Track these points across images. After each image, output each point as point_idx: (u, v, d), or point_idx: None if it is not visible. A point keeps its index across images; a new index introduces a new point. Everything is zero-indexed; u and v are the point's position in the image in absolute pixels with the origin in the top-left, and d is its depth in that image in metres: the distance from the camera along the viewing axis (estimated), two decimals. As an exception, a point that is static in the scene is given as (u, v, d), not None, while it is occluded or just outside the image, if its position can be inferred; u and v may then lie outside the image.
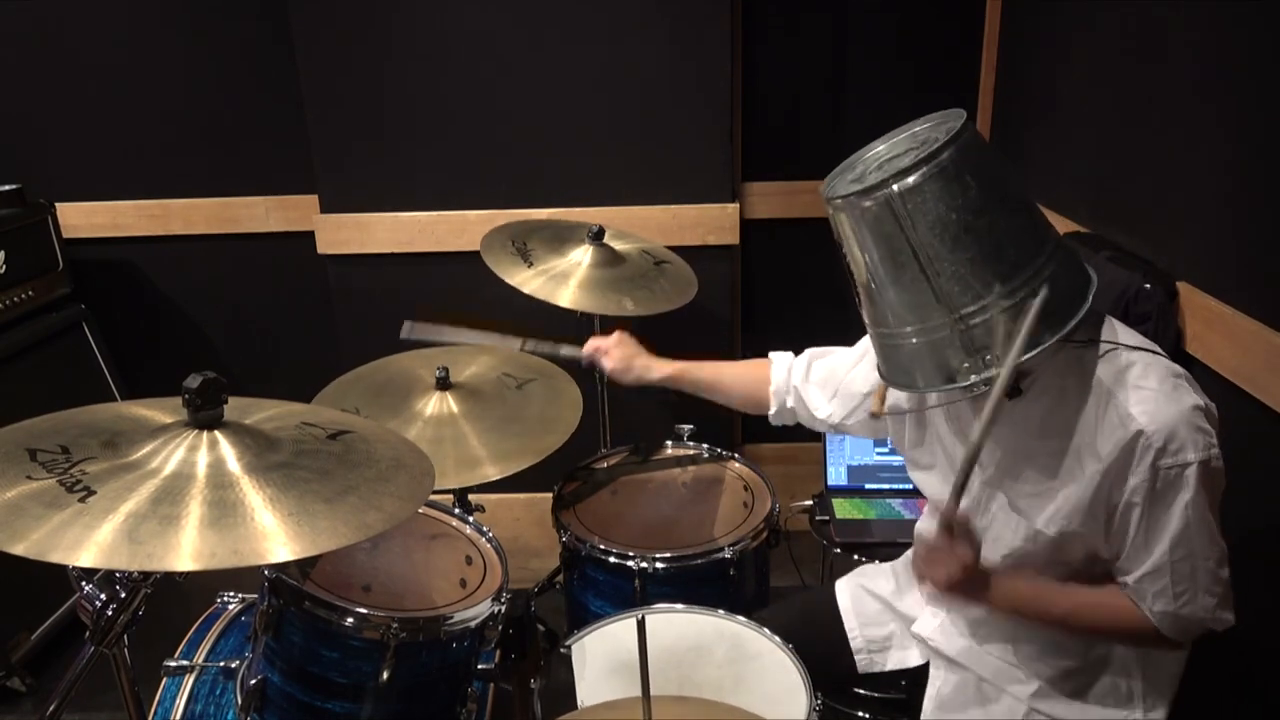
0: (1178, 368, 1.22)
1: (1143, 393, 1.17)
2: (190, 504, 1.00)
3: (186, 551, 0.94)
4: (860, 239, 1.17)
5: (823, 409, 1.59)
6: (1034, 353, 1.11)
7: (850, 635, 1.58)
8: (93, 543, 0.93)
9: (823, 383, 1.60)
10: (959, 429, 1.38)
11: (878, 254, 1.16)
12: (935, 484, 1.45)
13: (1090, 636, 1.34)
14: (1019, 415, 1.27)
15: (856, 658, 1.57)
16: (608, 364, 1.83)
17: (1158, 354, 1.23)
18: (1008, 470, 1.31)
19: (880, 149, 1.25)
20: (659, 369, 1.79)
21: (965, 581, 1.24)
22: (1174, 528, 1.18)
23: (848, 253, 1.20)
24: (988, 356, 1.13)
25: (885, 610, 1.59)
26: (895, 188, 1.11)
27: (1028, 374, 1.24)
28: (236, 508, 1.01)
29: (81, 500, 0.97)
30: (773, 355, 1.68)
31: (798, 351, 1.68)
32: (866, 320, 1.26)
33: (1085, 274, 1.20)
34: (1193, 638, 1.28)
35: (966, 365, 1.14)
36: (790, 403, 1.63)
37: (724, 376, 1.75)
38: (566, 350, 1.90)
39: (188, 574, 1.01)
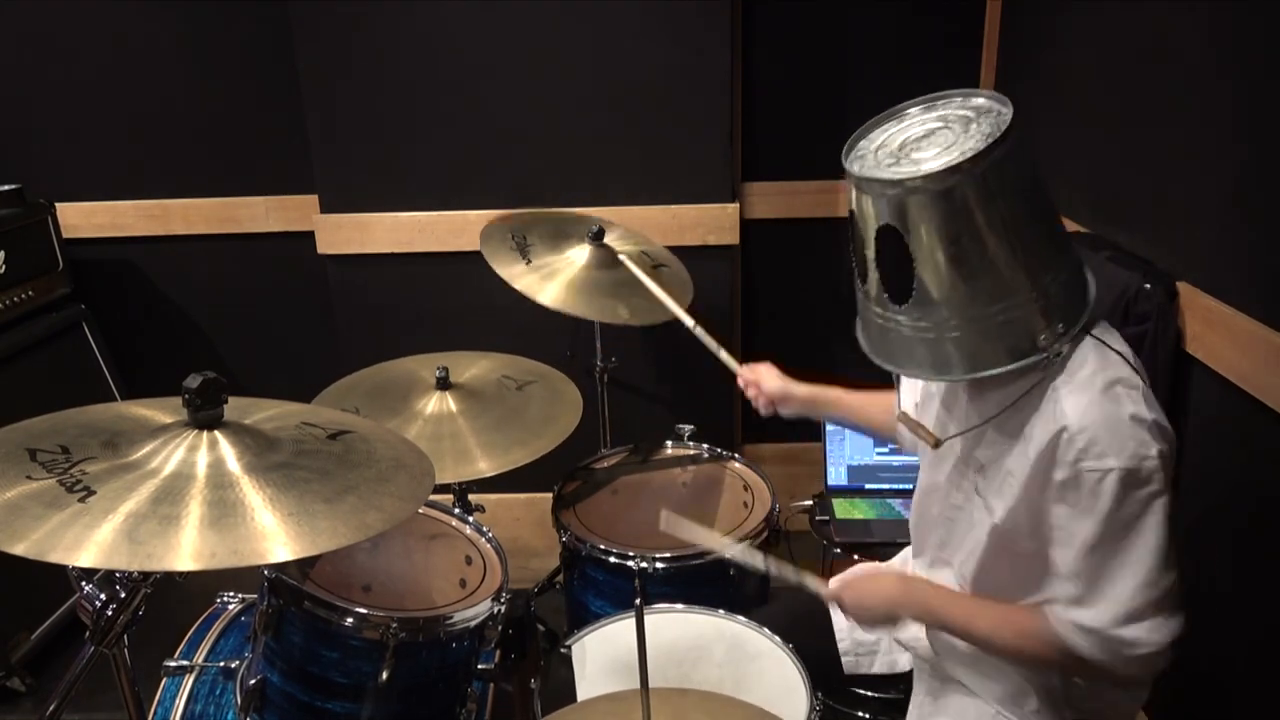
0: (1136, 380, 1.18)
1: (1081, 393, 1.16)
2: (190, 504, 1.00)
3: (186, 551, 0.94)
4: (942, 218, 1.12)
5: None
6: (1024, 363, 1.15)
7: (838, 636, 1.57)
8: (93, 543, 0.93)
9: None
10: (949, 418, 1.38)
11: (969, 231, 1.12)
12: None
13: (1023, 661, 1.31)
14: (995, 403, 1.27)
15: (843, 659, 1.56)
16: (762, 405, 1.75)
17: (1127, 361, 1.20)
18: (973, 449, 1.31)
19: (897, 128, 1.22)
20: (799, 392, 1.71)
21: (873, 618, 1.32)
22: (1088, 533, 1.15)
23: (914, 239, 1.14)
24: (1060, 327, 1.15)
25: None
26: (993, 155, 1.09)
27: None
28: (236, 508, 1.01)
29: (81, 500, 0.97)
30: None
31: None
32: (918, 312, 1.18)
33: (1084, 282, 1.24)
34: (1130, 667, 1.19)
35: (1043, 337, 1.15)
36: None
37: (867, 405, 1.67)
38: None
39: (188, 574, 1.01)
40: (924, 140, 1.18)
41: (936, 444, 1.31)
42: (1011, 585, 1.31)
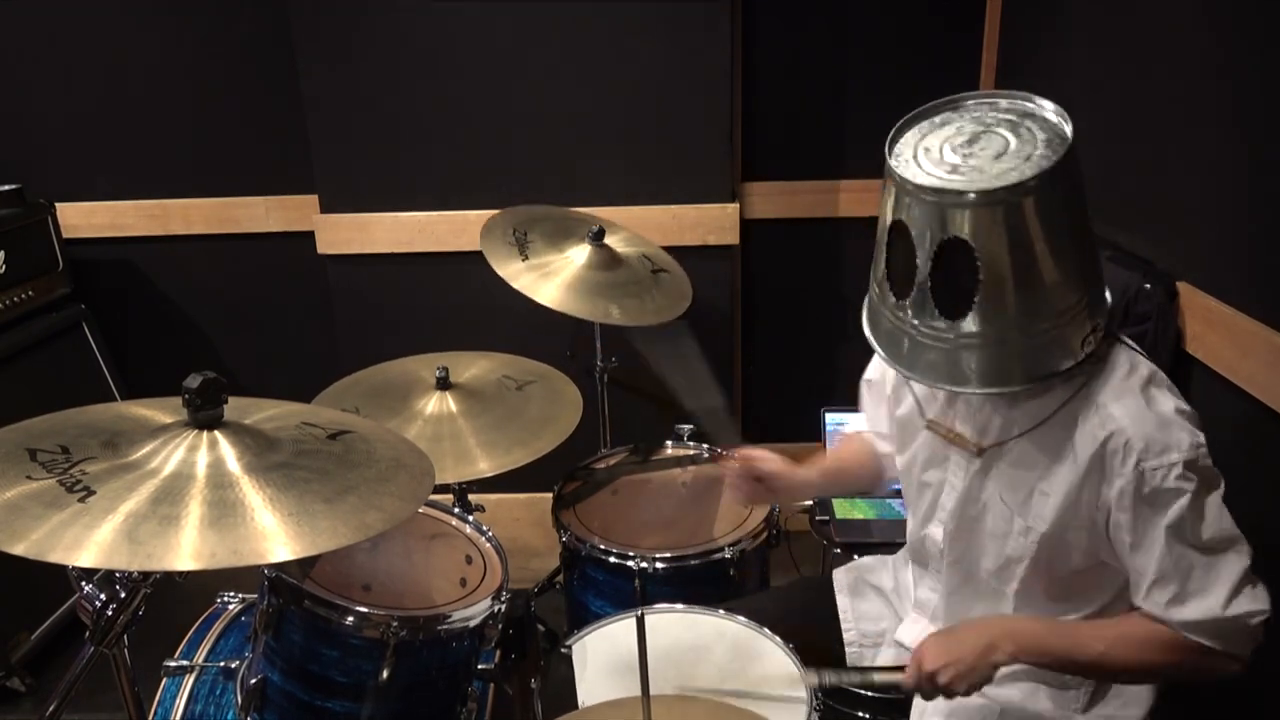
0: (1162, 374, 1.21)
1: (1125, 394, 1.17)
2: (190, 504, 1.00)
3: (186, 551, 0.94)
4: (1014, 230, 1.09)
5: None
6: (1049, 374, 1.16)
7: (844, 626, 1.57)
8: (93, 543, 0.93)
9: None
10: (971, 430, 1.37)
11: (1043, 241, 1.10)
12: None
13: (1138, 675, 1.29)
14: (1017, 414, 1.26)
15: (848, 649, 1.56)
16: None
17: (1145, 357, 1.22)
18: (995, 459, 1.30)
19: (934, 129, 1.19)
20: (803, 476, 1.62)
21: (969, 659, 1.21)
22: (1169, 529, 1.15)
23: (983, 254, 1.10)
24: (1098, 329, 1.16)
25: (884, 605, 1.58)
26: (1059, 165, 1.08)
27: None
28: (236, 508, 1.01)
29: (81, 500, 0.97)
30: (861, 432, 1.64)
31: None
32: (975, 324, 1.14)
33: (1105, 298, 1.24)
34: (1245, 643, 1.19)
35: (1087, 341, 1.16)
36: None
37: (843, 461, 1.66)
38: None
39: (188, 574, 1.01)
40: (972, 145, 1.14)
41: (980, 451, 1.30)
42: (1050, 599, 1.30)
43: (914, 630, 1.48)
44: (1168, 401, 1.17)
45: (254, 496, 1.04)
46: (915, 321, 1.17)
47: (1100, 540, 1.23)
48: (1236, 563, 1.17)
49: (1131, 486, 1.15)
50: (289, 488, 1.06)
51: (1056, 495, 1.22)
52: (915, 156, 1.16)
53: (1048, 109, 1.18)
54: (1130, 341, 1.24)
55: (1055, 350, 1.16)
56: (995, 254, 1.10)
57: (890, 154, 1.17)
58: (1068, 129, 1.12)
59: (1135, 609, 1.23)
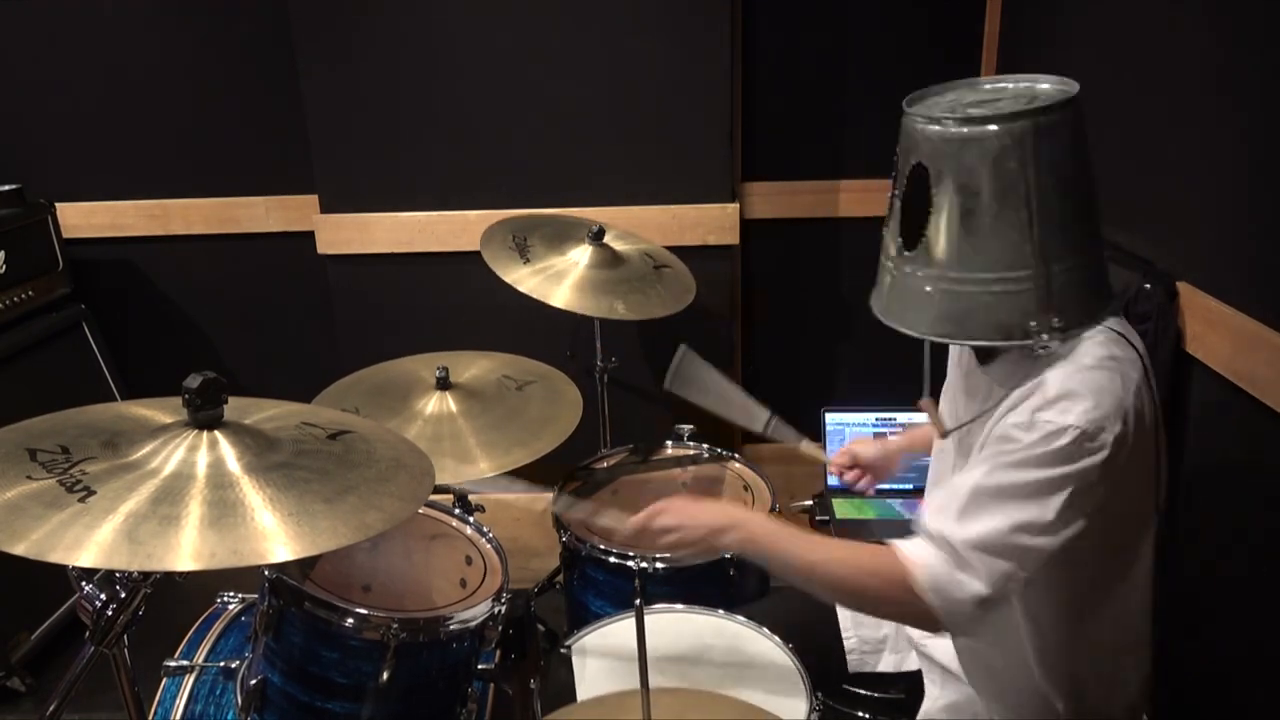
0: (1140, 362, 1.18)
1: (1071, 362, 1.14)
2: (190, 504, 1.00)
3: (186, 551, 0.94)
4: (968, 169, 1.12)
5: None
6: (1085, 328, 1.16)
7: (844, 633, 1.57)
8: (93, 543, 0.93)
9: None
10: (954, 410, 1.38)
11: (990, 189, 1.11)
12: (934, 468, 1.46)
13: (841, 595, 1.31)
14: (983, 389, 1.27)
15: (848, 657, 1.56)
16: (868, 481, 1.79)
17: (1129, 341, 1.19)
18: (964, 444, 1.30)
19: (963, 94, 1.23)
20: (897, 444, 1.79)
21: (698, 528, 1.29)
22: (1004, 458, 1.12)
23: (938, 184, 1.14)
24: (1056, 320, 1.13)
25: None
26: (1036, 121, 1.09)
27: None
28: (236, 508, 1.01)
29: (81, 500, 0.97)
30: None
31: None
32: (923, 261, 1.17)
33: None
34: (952, 605, 1.15)
35: (1034, 324, 1.13)
36: None
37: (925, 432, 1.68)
38: None
39: (188, 574, 1.01)
40: (986, 104, 1.18)
41: (944, 434, 1.32)
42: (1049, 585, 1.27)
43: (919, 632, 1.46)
44: (1116, 381, 1.13)
45: (254, 496, 1.04)
46: (890, 260, 1.23)
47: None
48: (1022, 533, 1.12)
49: (1019, 427, 1.12)
50: (289, 488, 1.06)
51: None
52: (935, 106, 1.21)
53: (1054, 80, 1.20)
54: (1134, 340, 1.21)
55: (991, 315, 1.14)
56: (984, 186, 1.12)
57: (914, 102, 1.22)
58: (1073, 89, 1.15)
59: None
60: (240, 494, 1.03)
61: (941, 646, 1.45)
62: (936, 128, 1.13)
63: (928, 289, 1.18)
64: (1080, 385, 1.12)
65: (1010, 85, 1.23)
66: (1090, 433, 1.10)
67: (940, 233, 1.15)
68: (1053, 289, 1.13)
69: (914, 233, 1.17)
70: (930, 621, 1.18)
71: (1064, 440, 1.10)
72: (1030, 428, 1.12)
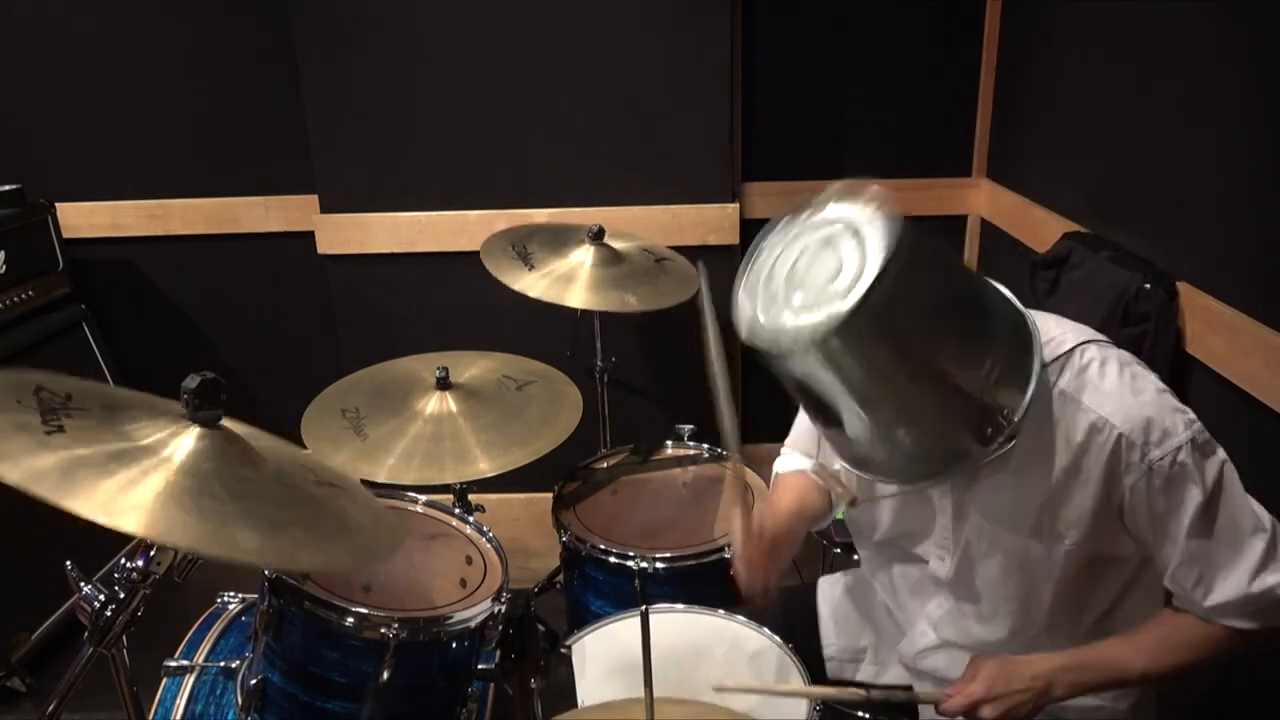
0: (1125, 353, 1.18)
1: (1105, 392, 1.14)
2: (147, 474, 0.98)
3: (98, 501, 0.92)
4: (830, 378, 1.06)
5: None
6: (1030, 394, 1.10)
7: (824, 641, 1.54)
8: (25, 464, 0.91)
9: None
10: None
11: (849, 385, 1.06)
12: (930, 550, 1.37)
13: (1189, 671, 1.24)
14: (995, 466, 1.21)
15: (827, 665, 1.53)
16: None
17: (1102, 341, 1.19)
18: (990, 491, 1.25)
19: (783, 256, 1.16)
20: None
21: (1025, 700, 1.18)
22: (1188, 513, 1.12)
23: (820, 390, 1.09)
24: (1002, 415, 1.10)
25: (864, 621, 1.53)
26: (855, 321, 0.99)
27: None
28: (187, 492, 0.99)
29: (47, 433, 0.97)
30: (776, 466, 1.55)
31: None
32: (852, 433, 1.13)
33: (1025, 326, 1.16)
34: (1276, 614, 1.15)
35: (990, 430, 1.11)
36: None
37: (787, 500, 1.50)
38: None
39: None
40: (811, 269, 1.08)
41: (853, 501, 1.29)
42: (1077, 608, 1.27)
43: (920, 643, 1.42)
44: (1150, 382, 1.14)
45: (216, 488, 1.01)
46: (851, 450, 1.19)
47: (1123, 534, 1.20)
48: (1259, 538, 1.14)
49: (1144, 482, 1.13)
50: (245, 496, 1.04)
51: (1067, 506, 1.18)
52: (763, 287, 1.17)
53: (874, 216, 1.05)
54: (1069, 331, 1.20)
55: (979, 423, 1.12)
56: (859, 381, 1.07)
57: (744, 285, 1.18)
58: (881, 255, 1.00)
59: (1167, 604, 1.22)
60: (202, 484, 1.01)
61: (938, 660, 1.41)
62: (780, 355, 1.07)
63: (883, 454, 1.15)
64: (1142, 407, 1.12)
65: (824, 215, 1.12)
66: (1195, 431, 1.12)
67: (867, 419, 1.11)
68: (985, 403, 1.10)
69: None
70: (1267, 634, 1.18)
71: (1188, 453, 1.11)
72: (1155, 475, 1.12)
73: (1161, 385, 1.16)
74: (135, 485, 0.96)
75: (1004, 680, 1.20)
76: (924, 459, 1.15)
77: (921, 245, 1.03)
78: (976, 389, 1.09)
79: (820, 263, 1.07)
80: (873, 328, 1.01)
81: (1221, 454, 1.15)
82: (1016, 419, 1.10)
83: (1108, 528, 1.19)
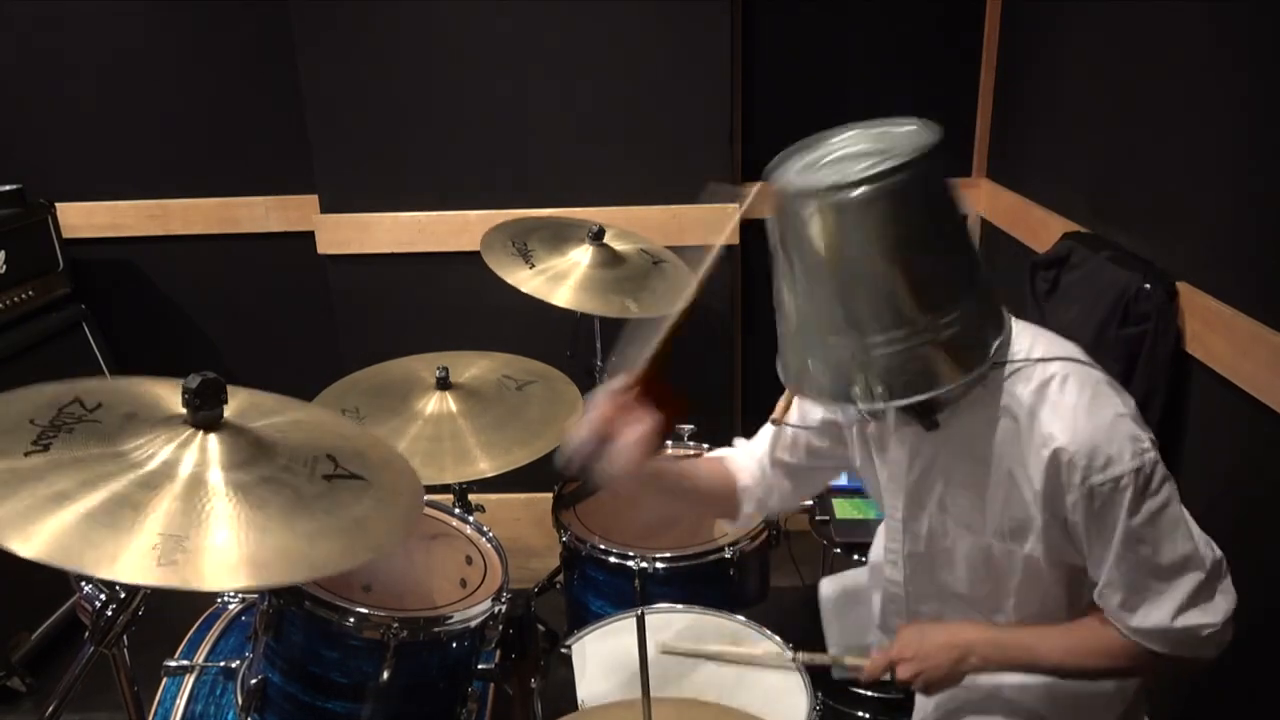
0: (1099, 374, 1.17)
1: (1061, 409, 1.13)
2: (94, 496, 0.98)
3: (27, 536, 0.92)
4: (792, 233, 1.09)
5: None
6: (922, 398, 1.09)
7: (828, 641, 1.55)
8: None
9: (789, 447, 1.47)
10: (869, 452, 1.36)
11: (808, 259, 1.08)
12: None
13: (1098, 677, 1.28)
14: (943, 440, 1.23)
15: (832, 668, 1.54)
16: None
17: (1078, 360, 1.17)
18: (946, 492, 1.27)
19: (845, 137, 1.16)
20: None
21: (939, 664, 1.22)
22: (1118, 539, 1.13)
23: (775, 243, 1.12)
24: (879, 389, 1.08)
25: (867, 619, 1.54)
26: (839, 198, 1.03)
27: (942, 406, 1.19)
28: (121, 515, 0.98)
29: (25, 454, 0.98)
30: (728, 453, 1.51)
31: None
32: (788, 312, 1.15)
33: (999, 319, 1.15)
34: (1199, 648, 1.18)
35: (859, 390, 1.09)
36: (765, 493, 1.47)
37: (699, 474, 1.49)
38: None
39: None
40: (859, 159, 1.10)
41: (776, 421, 1.31)
42: (1052, 609, 1.28)
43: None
44: (1108, 407, 1.13)
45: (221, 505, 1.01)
46: (787, 309, 1.16)
47: (1064, 544, 1.21)
48: (1190, 578, 1.15)
49: (1083, 502, 1.13)
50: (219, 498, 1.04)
51: (1019, 512, 1.20)
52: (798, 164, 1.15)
53: (922, 131, 1.11)
54: (1047, 344, 1.19)
55: (862, 377, 1.10)
56: (803, 253, 1.09)
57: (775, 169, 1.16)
58: (904, 156, 1.05)
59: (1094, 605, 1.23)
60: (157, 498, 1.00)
61: None
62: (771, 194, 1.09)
63: (839, 361, 1.11)
64: (1094, 430, 1.11)
65: (884, 130, 1.15)
66: (1145, 462, 1.11)
67: (789, 291, 1.13)
68: (873, 363, 1.08)
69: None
70: (1195, 665, 1.20)
71: (1130, 482, 1.11)
72: (1094, 498, 1.12)
73: (1125, 410, 1.14)
74: (79, 506, 0.96)
75: (918, 642, 1.26)
76: (844, 376, 1.10)
77: (944, 173, 1.09)
78: (926, 331, 1.06)
79: (856, 155, 1.11)
80: (880, 202, 1.03)
81: (1169, 490, 1.13)
82: (938, 391, 1.09)
83: (1060, 540, 1.20)
